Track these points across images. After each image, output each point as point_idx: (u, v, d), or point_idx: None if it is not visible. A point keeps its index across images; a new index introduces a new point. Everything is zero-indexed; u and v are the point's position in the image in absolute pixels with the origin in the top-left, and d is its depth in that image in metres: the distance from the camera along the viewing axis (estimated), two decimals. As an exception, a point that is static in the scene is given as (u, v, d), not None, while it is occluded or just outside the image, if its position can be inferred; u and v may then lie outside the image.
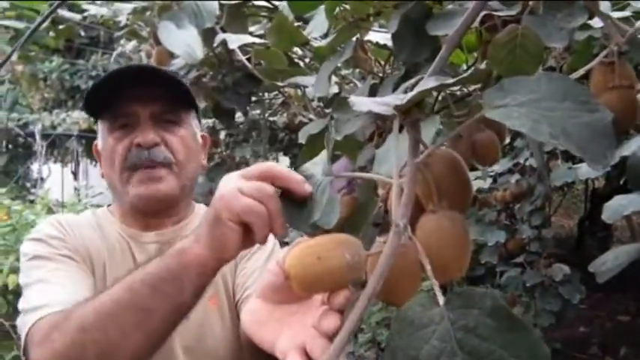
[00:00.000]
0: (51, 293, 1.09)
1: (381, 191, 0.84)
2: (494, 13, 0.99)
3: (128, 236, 1.28)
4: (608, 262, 1.45)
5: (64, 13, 3.33)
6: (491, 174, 3.46)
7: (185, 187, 1.29)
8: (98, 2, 3.44)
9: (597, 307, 5.12)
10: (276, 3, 2.18)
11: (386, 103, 0.58)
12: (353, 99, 0.64)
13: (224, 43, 1.93)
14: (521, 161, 3.29)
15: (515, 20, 1.02)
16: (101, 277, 1.22)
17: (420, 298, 0.52)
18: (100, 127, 1.29)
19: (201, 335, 1.21)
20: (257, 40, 1.79)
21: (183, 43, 1.72)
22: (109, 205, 1.38)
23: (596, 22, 1.23)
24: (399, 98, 0.57)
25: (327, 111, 1.54)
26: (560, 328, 4.35)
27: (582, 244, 6.47)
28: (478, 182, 3.49)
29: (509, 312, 0.51)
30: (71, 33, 4.12)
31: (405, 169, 0.57)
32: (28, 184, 9.57)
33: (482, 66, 0.88)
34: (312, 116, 2.12)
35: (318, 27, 1.27)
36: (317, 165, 0.75)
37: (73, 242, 1.23)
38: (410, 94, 0.55)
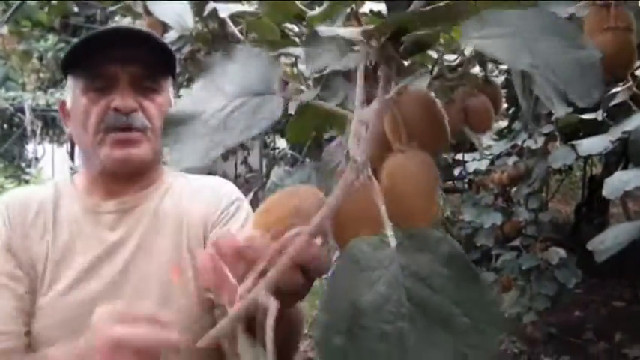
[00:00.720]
0: None
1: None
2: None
3: (85, 209, 1.25)
4: (607, 241, 1.42)
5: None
6: (489, 156, 3.43)
7: (157, 154, 1.27)
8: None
9: (592, 293, 5.10)
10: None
11: (353, 30, 0.55)
12: (322, 28, 0.60)
13: (218, 17, 1.89)
14: (519, 143, 3.25)
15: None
16: (44, 253, 1.20)
17: (371, 238, 0.48)
18: (72, 85, 1.25)
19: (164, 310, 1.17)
20: (248, 9, 1.74)
21: (173, 12, 1.69)
22: (74, 174, 1.34)
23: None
24: (366, 27, 0.54)
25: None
26: (556, 313, 4.34)
27: (579, 229, 6.44)
28: (475, 164, 3.47)
29: (467, 262, 0.47)
30: (65, 9, 4.07)
31: (372, 104, 0.54)
32: (24, 164, 9.52)
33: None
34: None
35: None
36: (212, 93, 0.64)
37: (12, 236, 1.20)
38: (381, 22, 0.52)
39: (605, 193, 1.38)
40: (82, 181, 1.29)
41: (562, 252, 3.47)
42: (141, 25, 3.15)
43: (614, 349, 4.27)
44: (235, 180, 10.47)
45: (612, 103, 1.64)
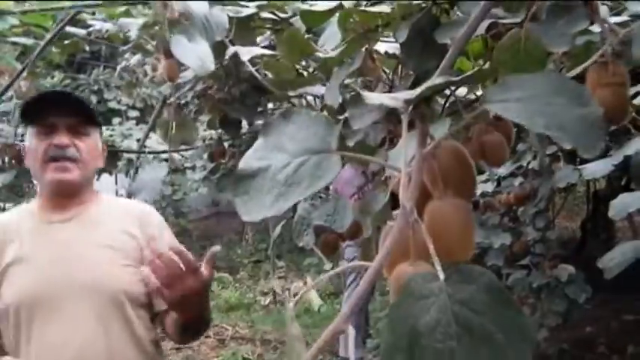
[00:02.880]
0: None
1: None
2: (499, 20, 1.06)
3: (39, 220, 1.72)
4: (616, 258, 1.51)
5: (69, 28, 3.38)
6: (495, 177, 3.52)
7: (86, 178, 1.75)
8: (102, 17, 3.50)
9: (602, 308, 5.15)
10: (283, 16, 2.25)
11: (396, 97, 0.64)
12: (366, 94, 0.70)
13: (230, 55, 2.00)
14: (524, 164, 3.34)
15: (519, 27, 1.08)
16: (13, 257, 1.65)
17: (423, 272, 0.58)
18: (29, 132, 1.73)
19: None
20: (267, 52, 1.85)
21: (195, 56, 1.79)
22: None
23: (595, 28, 1.30)
24: (409, 94, 0.63)
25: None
26: (567, 329, 4.40)
27: (585, 245, 6.51)
28: (482, 186, 3.55)
29: (503, 290, 0.56)
30: (76, 48, 4.19)
31: (412, 159, 0.63)
32: (32, 199, 9.63)
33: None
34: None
35: (330, 38, 1.33)
36: (274, 151, 0.74)
37: None
38: (419, 89, 0.62)
39: (611, 214, 1.47)
40: (37, 202, 1.77)
41: (571, 268, 3.54)
42: (152, 62, 3.27)
43: (627, 362, 4.33)
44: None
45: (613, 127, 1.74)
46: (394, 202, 0.86)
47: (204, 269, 1.44)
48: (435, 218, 0.62)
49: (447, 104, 1.17)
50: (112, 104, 10.24)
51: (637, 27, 0.60)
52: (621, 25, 1.67)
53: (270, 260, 7.15)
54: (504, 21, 1.05)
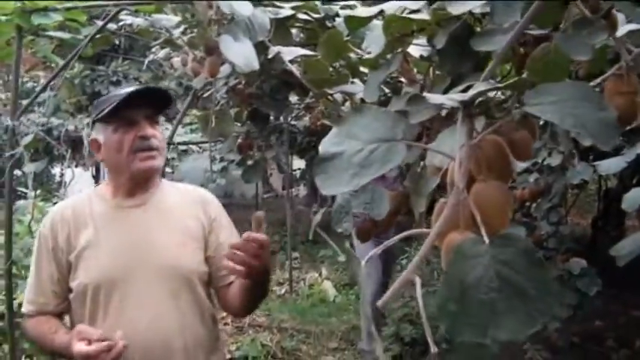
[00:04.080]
0: (28, 290, 1.89)
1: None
2: (528, 31, 1.21)
3: (112, 205, 1.87)
4: (628, 246, 1.65)
5: (99, 22, 3.53)
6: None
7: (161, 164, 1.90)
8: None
9: (612, 303, 5.28)
10: (316, 16, 2.39)
11: (452, 99, 0.79)
12: (428, 95, 0.85)
13: (273, 54, 2.15)
14: (539, 161, 3.47)
15: (545, 37, 1.23)
16: (89, 240, 1.81)
17: (471, 237, 0.73)
18: (102, 128, 1.85)
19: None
20: (307, 52, 1.99)
21: (242, 54, 1.94)
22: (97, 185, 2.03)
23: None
24: (463, 95, 0.78)
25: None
26: (577, 322, 4.53)
27: (596, 241, 6.62)
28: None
29: (536, 254, 0.72)
30: (107, 42, 4.36)
31: (462, 148, 0.78)
32: (53, 187, 9.85)
33: (523, 75, 1.09)
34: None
35: (374, 41, 1.47)
36: (348, 138, 0.83)
37: (57, 236, 1.84)
38: (471, 92, 0.77)
39: (624, 206, 1.61)
40: (107, 189, 1.90)
41: (583, 262, 3.67)
42: (183, 57, 3.42)
43: (635, 356, 4.45)
44: (255, 199, 10.73)
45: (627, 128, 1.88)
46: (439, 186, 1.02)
47: (259, 236, 1.61)
48: (481, 196, 0.78)
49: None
50: (131, 96, 10.38)
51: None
52: (637, 32, 1.82)
53: (286, 251, 7.30)
54: (533, 32, 1.20)
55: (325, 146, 0.82)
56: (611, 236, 6.37)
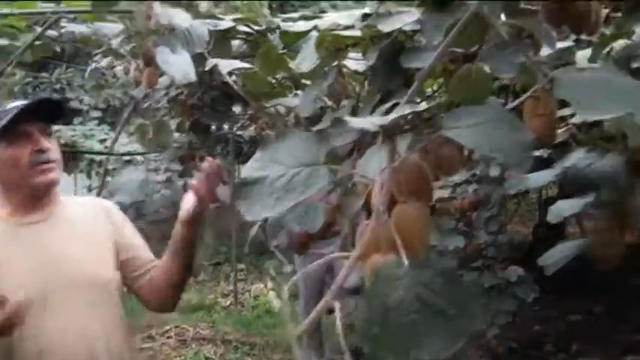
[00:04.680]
0: None
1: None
2: (456, 49, 1.23)
3: (13, 224, 1.76)
4: (555, 256, 1.70)
5: (39, 28, 3.44)
6: (451, 184, 3.72)
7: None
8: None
9: (550, 308, 5.42)
10: (257, 28, 2.40)
11: (372, 122, 0.80)
12: (348, 118, 0.86)
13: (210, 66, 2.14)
14: (478, 172, 3.55)
15: (473, 55, 1.26)
16: None
17: (391, 260, 0.74)
18: None
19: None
20: (245, 65, 1.99)
21: (178, 66, 1.93)
22: None
23: (544, 51, 1.48)
24: (383, 120, 0.79)
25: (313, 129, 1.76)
26: (517, 328, 4.64)
27: (536, 249, 6.78)
28: (438, 192, 3.75)
29: (455, 273, 0.73)
30: (48, 50, 4.25)
31: (383, 171, 0.79)
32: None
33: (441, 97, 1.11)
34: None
35: (307, 58, 1.48)
36: (272, 163, 0.85)
37: None
38: (391, 117, 0.78)
39: (549, 218, 1.66)
40: (2, 210, 1.78)
41: (520, 270, 3.77)
42: (125, 66, 3.36)
43: (571, 360, 4.59)
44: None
45: (555, 141, 1.93)
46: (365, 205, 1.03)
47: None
48: (401, 218, 0.78)
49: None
50: (74, 104, 10.20)
51: (558, 72, 0.77)
52: (566, 50, 1.88)
53: (231, 263, 7.25)
54: (460, 50, 1.23)
55: (248, 171, 0.82)
56: (552, 243, 6.51)
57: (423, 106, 0.83)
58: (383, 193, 0.77)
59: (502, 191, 3.57)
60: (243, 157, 7.53)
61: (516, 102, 0.87)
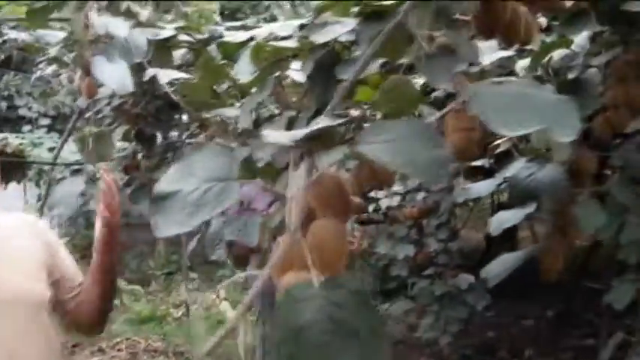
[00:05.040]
0: None
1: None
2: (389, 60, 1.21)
3: None
4: (496, 268, 1.70)
5: (-21, 35, 3.36)
6: (400, 192, 3.73)
7: None
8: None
9: (503, 314, 5.47)
10: (199, 37, 2.36)
11: (287, 137, 0.78)
12: (265, 132, 0.84)
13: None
14: (427, 180, 3.56)
15: (409, 66, 1.25)
16: None
17: (303, 279, 0.72)
18: None
19: None
20: (184, 75, 1.96)
21: (115, 76, 1.88)
22: None
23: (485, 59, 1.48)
24: (295, 134, 0.77)
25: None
26: (470, 335, 4.67)
27: (489, 255, 6.84)
28: (387, 200, 3.76)
29: (367, 294, 0.71)
30: (-10, 59, 4.14)
31: (300, 185, 0.77)
32: None
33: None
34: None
35: (243, 69, 1.46)
36: (186, 177, 0.83)
37: None
38: (304, 132, 0.76)
39: (489, 229, 1.67)
40: None
41: (470, 277, 3.79)
42: (69, 74, 3.29)
43: (525, 364, 4.64)
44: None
45: (497, 151, 1.95)
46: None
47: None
48: (315, 235, 0.76)
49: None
50: (23, 111, 9.95)
51: (474, 86, 0.75)
52: (509, 59, 1.89)
53: (182, 272, 7.15)
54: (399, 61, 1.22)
55: (161, 185, 0.79)
56: (505, 249, 6.58)
57: (339, 120, 0.80)
58: (297, 208, 0.75)
59: (451, 199, 3.60)
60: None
61: (438, 114, 0.85)
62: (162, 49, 2.26)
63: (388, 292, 4.84)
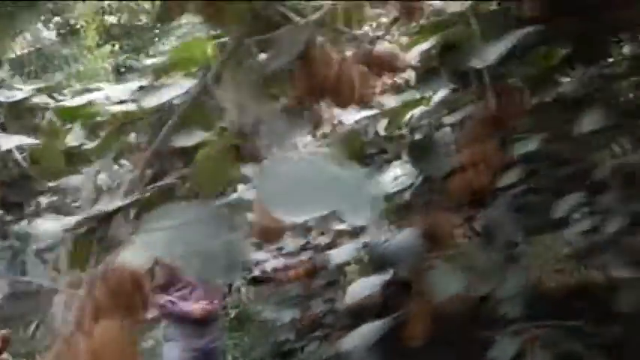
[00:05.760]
0: None
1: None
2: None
3: None
4: (356, 340, 1.65)
5: None
6: (283, 253, 3.65)
7: None
8: None
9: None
10: (60, 98, 2.24)
11: (62, 224, 0.70)
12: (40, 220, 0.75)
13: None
14: (311, 240, 3.51)
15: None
16: None
17: None
18: None
19: None
20: (31, 141, 1.83)
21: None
22: None
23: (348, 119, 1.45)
24: (67, 223, 0.69)
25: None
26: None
27: (386, 311, 6.82)
28: (273, 262, 3.67)
29: None
30: None
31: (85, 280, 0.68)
32: None
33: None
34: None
35: (78, 134, 1.37)
36: None
37: None
38: (74, 220, 0.68)
39: (346, 300, 1.62)
40: None
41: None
42: None
43: None
44: None
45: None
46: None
47: None
48: (96, 339, 0.66)
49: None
50: None
51: (260, 172, 0.70)
52: (372, 118, 1.87)
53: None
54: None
55: None
56: (401, 304, 6.56)
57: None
58: (77, 307, 0.66)
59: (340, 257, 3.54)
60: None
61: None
62: (18, 112, 2.13)
63: (283, 355, 4.70)
